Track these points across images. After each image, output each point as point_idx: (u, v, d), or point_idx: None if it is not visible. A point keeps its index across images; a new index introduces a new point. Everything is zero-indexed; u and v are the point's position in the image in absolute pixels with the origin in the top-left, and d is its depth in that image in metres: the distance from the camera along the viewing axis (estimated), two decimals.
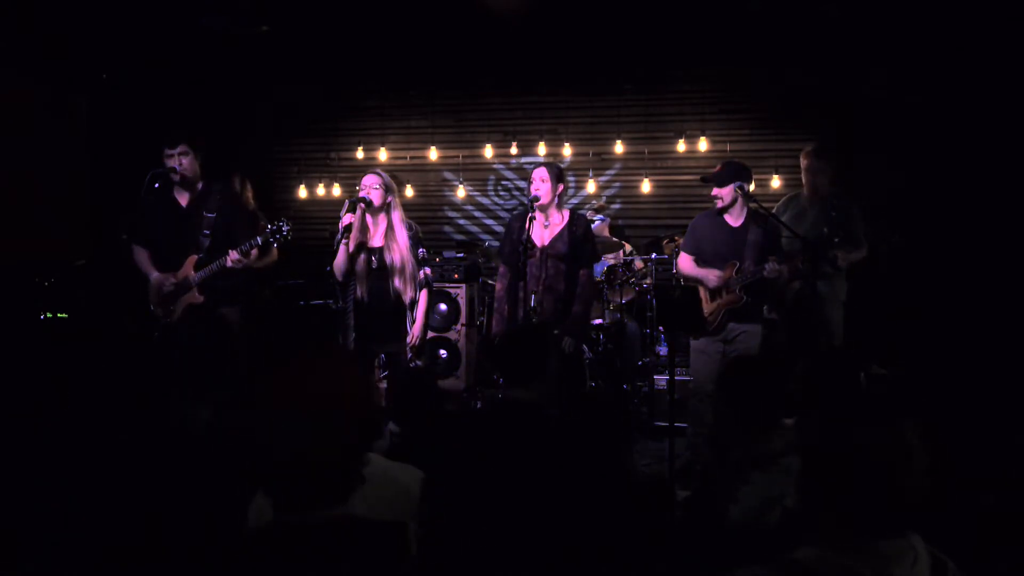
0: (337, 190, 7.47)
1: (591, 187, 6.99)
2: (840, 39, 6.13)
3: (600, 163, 7.10)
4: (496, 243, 6.70)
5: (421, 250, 4.25)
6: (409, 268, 4.13)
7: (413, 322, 4.18)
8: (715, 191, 4.27)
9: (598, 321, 5.66)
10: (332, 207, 6.75)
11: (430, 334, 5.22)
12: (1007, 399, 4.20)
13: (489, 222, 7.41)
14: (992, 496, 2.85)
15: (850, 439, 1.37)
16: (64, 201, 6.70)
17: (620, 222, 6.71)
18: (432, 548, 1.59)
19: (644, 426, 5.34)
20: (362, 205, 4.09)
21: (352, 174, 7.34)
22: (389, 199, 4.17)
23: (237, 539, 1.61)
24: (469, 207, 7.44)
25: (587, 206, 6.67)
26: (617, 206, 7.00)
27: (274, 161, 7.76)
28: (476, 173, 7.41)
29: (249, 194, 5.46)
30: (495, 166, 7.35)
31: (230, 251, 3.97)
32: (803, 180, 4.89)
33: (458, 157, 7.39)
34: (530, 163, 6.93)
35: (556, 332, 4.10)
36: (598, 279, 5.60)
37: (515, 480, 1.90)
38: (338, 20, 6.50)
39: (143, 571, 1.72)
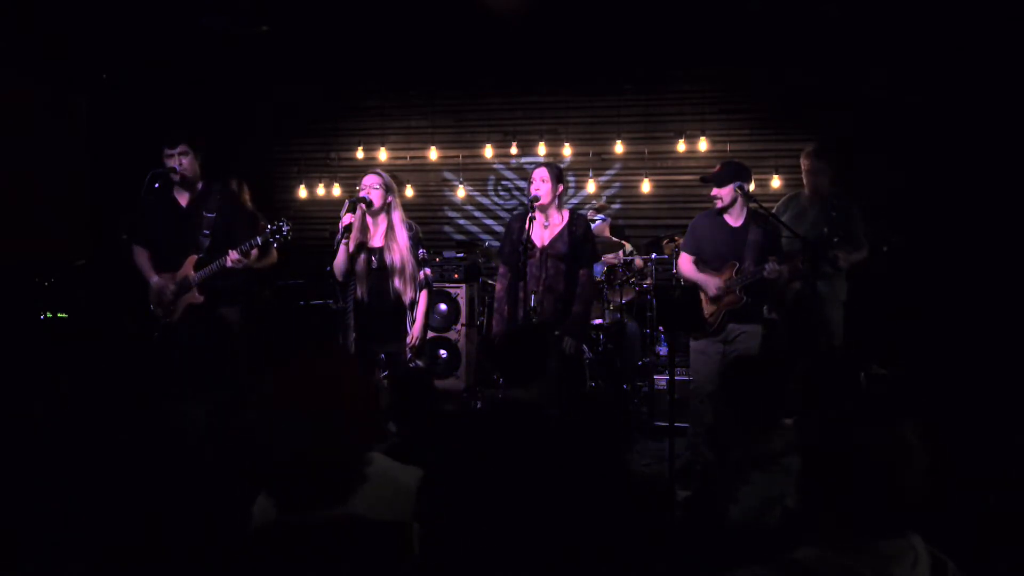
0: (337, 190, 7.47)
1: (591, 187, 6.99)
2: (840, 39, 6.13)
3: (600, 163, 7.10)
4: (496, 243, 6.70)
5: (421, 251, 4.24)
6: (409, 268, 4.13)
7: (413, 322, 4.18)
8: (715, 191, 4.27)
9: (598, 321, 5.66)
10: (332, 207, 6.75)
11: (430, 334, 5.22)
12: (1007, 399, 4.20)
13: (489, 222, 7.41)
14: (992, 496, 2.85)
15: (850, 439, 1.37)
16: (64, 201, 6.70)
17: (620, 222, 6.71)
18: (432, 548, 1.59)
19: (644, 426, 5.33)
20: (362, 205, 4.09)
21: (352, 174, 7.34)
22: (389, 199, 4.17)
23: (238, 539, 1.61)
24: (469, 207, 7.44)
25: (588, 206, 6.67)
26: (617, 206, 7.00)
27: (274, 161, 7.76)
28: (476, 173, 7.41)
29: (246, 196, 5.46)
30: (495, 166, 7.35)
31: (230, 251, 3.97)
32: (804, 180, 4.89)
33: (458, 157, 7.39)
34: (530, 163, 6.93)
35: (556, 332, 4.10)
36: (598, 279, 5.61)
37: (515, 480, 1.90)
38: (338, 20, 6.50)
39: (143, 571, 1.72)
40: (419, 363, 4.22)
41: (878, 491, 1.33)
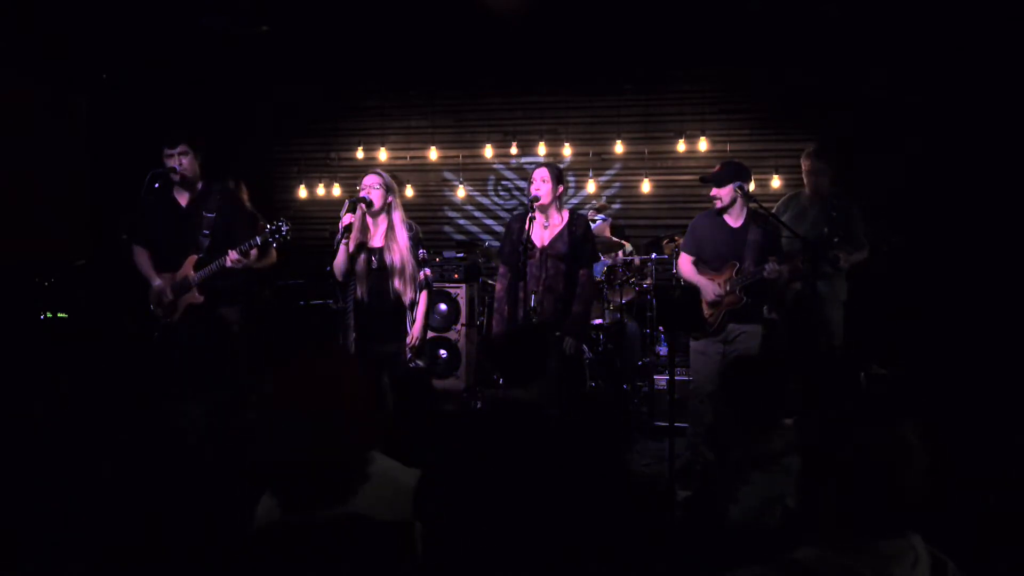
0: (337, 190, 7.47)
1: (591, 187, 6.99)
2: (840, 39, 6.13)
3: (600, 163, 7.10)
4: (496, 243, 6.70)
5: (421, 251, 4.24)
6: (409, 269, 4.12)
7: (413, 322, 4.18)
8: (714, 191, 4.27)
9: (598, 321, 5.66)
10: (332, 207, 6.75)
11: (430, 334, 5.23)
12: (1007, 399, 4.20)
13: (489, 222, 7.41)
14: (992, 496, 2.86)
15: (850, 439, 1.37)
16: (64, 201, 6.70)
17: (620, 222, 6.70)
18: (432, 548, 1.59)
19: (644, 426, 5.33)
20: (362, 205, 4.09)
21: (352, 174, 7.34)
22: (390, 199, 4.17)
23: (238, 538, 1.61)
24: (469, 207, 7.44)
25: (588, 206, 6.67)
26: (617, 206, 7.00)
27: (274, 161, 7.76)
28: (476, 173, 7.41)
29: (244, 195, 5.46)
30: (495, 166, 7.35)
31: (229, 251, 3.97)
32: (804, 181, 4.89)
33: (458, 157, 7.39)
34: (530, 163, 6.94)
35: (557, 333, 4.10)
36: (598, 279, 5.60)
37: (515, 480, 1.90)
38: (338, 20, 6.50)
39: (143, 571, 1.72)
40: (419, 363, 4.22)
41: (878, 491, 1.33)
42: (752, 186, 4.39)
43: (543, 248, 4.23)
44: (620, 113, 7.00)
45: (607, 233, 5.96)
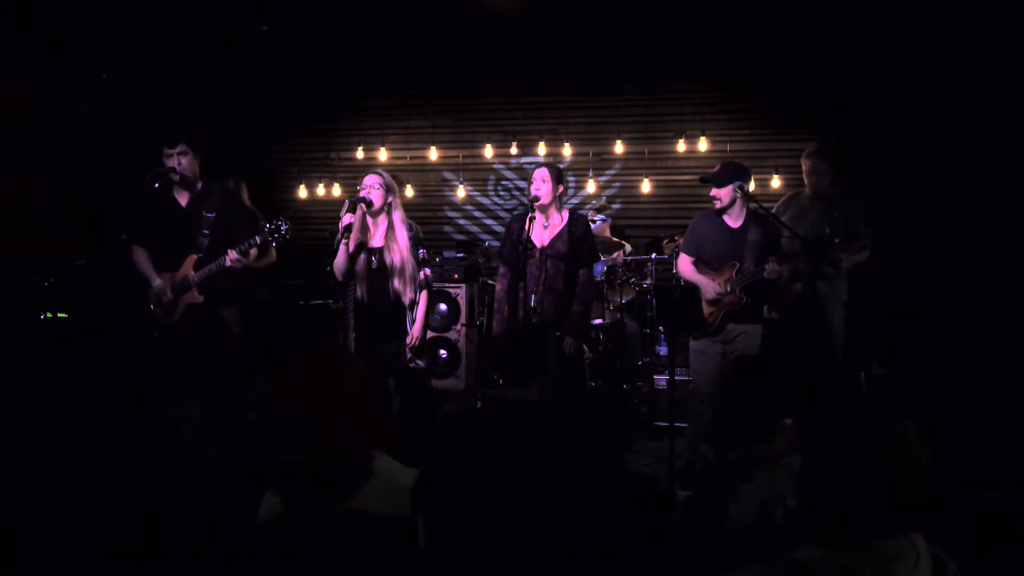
0: (337, 190, 7.47)
1: (591, 187, 6.99)
2: (840, 39, 6.13)
3: (600, 163, 7.10)
4: (496, 243, 6.70)
5: (421, 251, 4.24)
6: (409, 269, 4.13)
7: (413, 322, 4.18)
8: (714, 192, 4.27)
9: (598, 321, 5.66)
10: (332, 207, 6.74)
11: (430, 334, 5.22)
12: (1007, 399, 4.20)
13: (489, 222, 7.41)
14: (992, 496, 2.86)
15: (850, 439, 1.37)
16: (64, 201, 6.70)
17: (620, 222, 6.70)
18: (432, 547, 1.59)
19: (644, 426, 5.33)
20: (362, 205, 4.09)
21: (352, 174, 7.34)
22: (390, 199, 4.17)
23: (239, 538, 1.61)
24: (469, 207, 7.44)
25: (588, 206, 6.67)
26: (617, 206, 7.00)
27: (274, 161, 7.76)
28: (476, 173, 7.41)
29: (244, 194, 5.46)
30: (495, 166, 7.35)
31: (229, 251, 3.97)
32: (805, 181, 4.89)
33: (458, 157, 7.39)
34: (530, 163, 6.93)
35: (557, 333, 4.11)
36: (598, 279, 5.60)
37: (515, 480, 1.90)
38: (338, 20, 6.50)
39: (143, 571, 1.72)
40: (419, 363, 4.22)
41: (878, 491, 1.33)
42: (752, 186, 4.39)
43: (543, 248, 4.23)
44: (620, 113, 7.00)
45: (607, 233, 5.96)
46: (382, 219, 4.18)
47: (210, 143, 4.29)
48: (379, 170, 4.32)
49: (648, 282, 5.79)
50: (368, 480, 1.62)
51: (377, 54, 7.17)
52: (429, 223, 7.13)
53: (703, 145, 6.69)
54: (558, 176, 4.27)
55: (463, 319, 6.15)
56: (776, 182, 6.49)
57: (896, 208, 5.75)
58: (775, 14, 6.01)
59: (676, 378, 3.99)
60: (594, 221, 5.88)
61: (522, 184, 7.16)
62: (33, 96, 6.52)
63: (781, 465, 2.17)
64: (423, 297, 4.22)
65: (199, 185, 4.18)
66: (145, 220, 4.15)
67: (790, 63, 6.40)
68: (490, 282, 5.85)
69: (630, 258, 5.88)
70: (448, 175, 7.46)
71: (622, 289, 5.70)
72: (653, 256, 5.75)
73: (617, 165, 7.07)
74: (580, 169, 7.10)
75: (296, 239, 4.32)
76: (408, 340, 4.15)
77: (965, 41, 5.80)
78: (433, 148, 7.33)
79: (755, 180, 5.02)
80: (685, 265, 4.43)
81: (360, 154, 7.48)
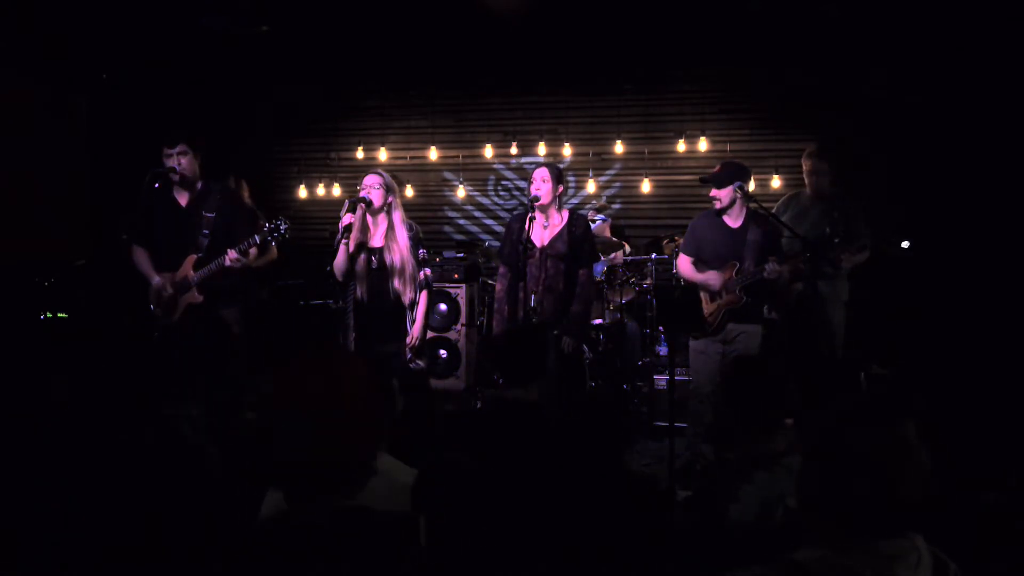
0: (337, 190, 7.47)
1: (591, 187, 6.99)
2: (840, 39, 6.13)
3: (600, 163, 7.10)
4: (496, 243, 6.70)
5: (421, 251, 4.24)
6: (409, 269, 4.12)
7: (413, 322, 4.18)
8: (713, 192, 4.27)
9: (598, 321, 5.66)
10: (332, 207, 6.74)
11: (430, 334, 5.22)
12: (1007, 399, 4.20)
13: (489, 222, 7.41)
14: (992, 496, 2.86)
15: (850, 439, 1.37)
16: (64, 201, 6.70)
17: (620, 222, 6.70)
18: (433, 547, 1.59)
19: (644, 426, 5.33)
20: (362, 205, 4.09)
21: (352, 174, 7.34)
22: (390, 199, 4.17)
23: (239, 538, 1.61)
24: (469, 207, 7.44)
25: (588, 206, 6.67)
26: (617, 206, 7.00)
27: (274, 161, 7.76)
28: (476, 173, 7.41)
29: (245, 194, 5.46)
30: (495, 166, 7.35)
31: (228, 251, 3.97)
32: (806, 182, 4.89)
33: (458, 157, 7.39)
34: (530, 163, 6.93)
35: (555, 332, 4.11)
36: (598, 279, 5.61)
37: (515, 480, 1.90)
38: (338, 20, 6.50)
39: (143, 571, 1.72)
40: (419, 363, 4.22)
41: (878, 491, 1.33)
42: (752, 186, 4.39)
43: (543, 248, 4.23)
44: (620, 113, 7.00)
45: (607, 233, 5.96)
46: (382, 219, 4.17)
47: (210, 143, 4.29)
48: (379, 170, 4.32)
49: (648, 282, 5.79)
50: (371, 479, 1.62)
51: (377, 54, 7.17)
52: (429, 223, 7.13)
53: (703, 145, 6.69)
54: (558, 176, 4.27)
55: (463, 319, 6.15)
56: (776, 182, 6.49)
57: (896, 208, 5.74)
58: (775, 14, 6.01)
59: (676, 378, 3.99)
60: (594, 221, 5.88)
61: (522, 184, 7.15)
62: (33, 96, 6.52)
63: (781, 465, 2.17)
64: (423, 297, 4.22)
65: (199, 185, 4.18)
66: (145, 220, 4.15)
67: (790, 63, 6.40)
68: (490, 282, 5.85)
69: (629, 258, 5.88)
70: (448, 175, 7.46)
71: (622, 289, 5.70)
72: (653, 256, 5.75)
73: (617, 165, 7.07)
74: (580, 169, 7.10)
75: (296, 239, 4.33)
76: (408, 340, 4.15)
77: (965, 41, 5.80)
78: (433, 148, 7.33)
79: (755, 180, 5.01)
80: (685, 265, 4.43)
81: (360, 154, 7.48)
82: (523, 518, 1.73)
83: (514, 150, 7.18)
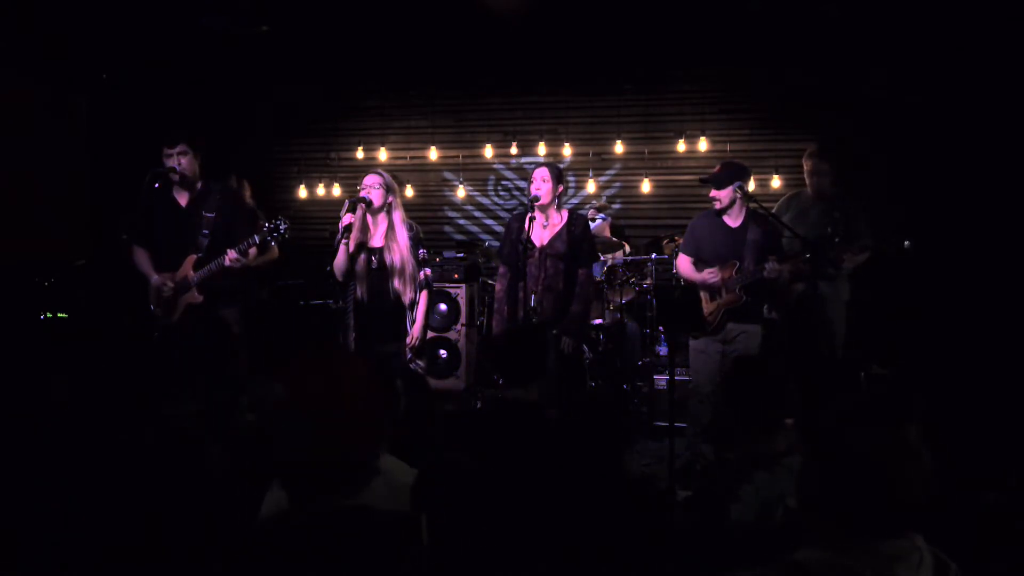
0: (337, 190, 7.47)
1: (591, 187, 6.99)
2: (840, 39, 6.13)
3: (600, 163, 7.10)
4: (496, 243, 6.70)
5: (422, 251, 4.24)
6: (409, 269, 4.12)
7: (413, 322, 4.18)
8: (713, 193, 4.27)
9: (598, 321, 5.66)
10: (332, 207, 6.74)
11: (430, 334, 5.22)
12: (1007, 399, 4.20)
13: (489, 222, 7.41)
14: (992, 496, 2.86)
15: (850, 439, 1.37)
16: (64, 201, 6.70)
17: (620, 222, 6.71)
18: (433, 546, 1.59)
19: (644, 426, 5.33)
20: (362, 205, 4.09)
21: (352, 174, 7.34)
22: (390, 199, 4.17)
23: (240, 536, 1.62)
24: (469, 207, 7.44)
25: (588, 206, 6.67)
26: (617, 206, 7.00)
27: (274, 161, 7.76)
28: (476, 173, 7.41)
29: (247, 194, 5.46)
30: (495, 166, 7.35)
31: (228, 251, 3.97)
32: (807, 182, 4.89)
33: (458, 157, 7.39)
34: (530, 163, 6.93)
35: (555, 332, 4.11)
36: (598, 279, 5.61)
37: (515, 480, 1.90)
38: (338, 20, 6.50)
39: (143, 571, 1.72)
40: (419, 363, 4.22)
41: (879, 491, 1.33)
42: (752, 186, 4.39)
43: (542, 248, 4.23)
44: (620, 113, 7.00)
45: (607, 233, 5.96)
46: (382, 219, 4.17)
47: (210, 143, 4.29)
48: (379, 170, 4.32)
49: (648, 282, 5.79)
50: (374, 478, 1.63)
51: (377, 54, 7.17)
52: (429, 223, 7.13)
53: (703, 145, 6.68)
54: (558, 176, 4.27)
55: (463, 319, 6.14)
56: (776, 182, 6.49)
57: (896, 208, 5.74)
58: (775, 14, 6.01)
59: (676, 378, 3.99)
60: (594, 220, 5.88)
61: (522, 184, 7.16)
62: (33, 96, 6.52)
63: (781, 465, 2.17)
64: (423, 297, 4.22)
65: (199, 185, 4.18)
66: (145, 220, 4.15)
67: (790, 63, 6.40)
68: (490, 282, 5.85)
69: (629, 258, 5.88)
70: (448, 175, 7.46)
71: (622, 289, 5.70)
72: (653, 256, 5.75)
73: (617, 165, 7.07)
74: (580, 169, 7.10)
75: (296, 239, 4.32)
76: (408, 340, 4.15)
77: (965, 41, 5.80)
78: (433, 148, 7.33)
79: (755, 180, 5.02)
80: (684, 265, 4.43)
81: (360, 154, 7.48)
82: (523, 518, 1.73)
83: (514, 150, 7.18)
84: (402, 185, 6.44)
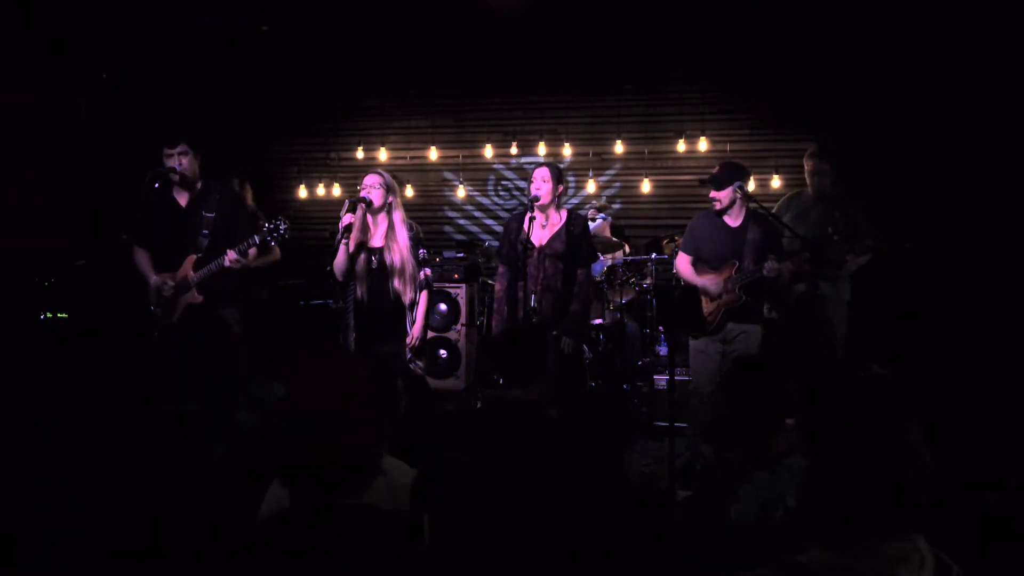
0: (337, 190, 7.47)
1: (591, 187, 6.99)
2: (840, 39, 6.13)
3: (600, 163, 7.10)
4: (496, 243, 6.70)
5: (422, 251, 4.24)
6: (409, 269, 4.12)
7: (413, 322, 4.18)
8: (713, 193, 4.27)
9: (598, 321, 5.66)
10: (332, 207, 6.74)
11: (430, 334, 5.22)
12: (1007, 399, 4.20)
13: (489, 222, 7.41)
14: (992, 496, 2.86)
15: (851, 439, 1.37)
16: (64, 201, 6.70)
17: (620, 222, 6.71)
18: (434, 546, 1.59)
19: (644, 426, 5.33)
20: (362, 205, 4.09)
21: (352, 174, 7.34)
22: (390, 199, 4.16)
23: (239, 537, 1.61)
24: (469, 207, 7.44)
25: (588, 206, 6.67)
26: (617, 206, 7.00)
27: (274, 161, 7.76)
28: (476, 173, 7.41)
29: (248, 194, 5.46)
30: (495, 166, 7.35)
31: (228, 251, 3.97)
32: (807, 182, 4.89)
33: (458, 157, 7.39)
34: (530, 163, 6.93)
35: (555, 332, 4.11)
36: (598, 279, 5.60)
37: (515, 480, 1.90)
38: (338, 20, 6.50)
39: (143, 571, 1.72)
40: (419, 363, 4.22)
41: (879, 492, 1.33)
42: (752, 186, 4.39)
43: (541, 248, 4.23)
44: (620, 113, 7.00)
45: (607, 233, 5.96)
46: (382, 219, 4.17)
47: (210, 143, 4.29)
48: (379, 170, 4.32)
49: (648, 282, 5.79)
50: (375, 478, 1.63)
51: (377, 54, 7.17)
52: (429, 223, 7.13)
53: (703, 145, 6.68)
54: (558, 176, 4.27)
55: (463, 319, 6.14)
56: (776, 182, 6.49)
57: (896, 208, 5.74)
58: (775, 14, 6.01)
59: (676, 378, 3.99)
60: (594, 220, 5.88)
61: (522, 184, 7.16)
62: (33, 96, 6.52)
63: (781, 465, 2.17)
64: (423, 297, 4.22)
65: (199, 185, 4.18)
66: (145, 220, 4.15)
67: (790, 63, 6.40)
68: (490, 282, 5.84)
69: (629, 258, 5.88)
70: (448, 175, 7.46)
71: (622, 289, 5.70)
72: (653, 256, 5.75)
73: (617, 165, 7.07)
74: (580, 169, 7.10)
75: (296, 239, 4.32)
76: (408, 340, 4.15)
77: (965, 41, 5.80)
78: (433, 148, 7.33)
79: (755, 180, 5.02)
80: (684, 265, 4.43)
81: (360, 154, 7.48)
82: (523, 518, 1.73)
83: (514, 150, 7.18)
84: (402, 185, 6.43)
